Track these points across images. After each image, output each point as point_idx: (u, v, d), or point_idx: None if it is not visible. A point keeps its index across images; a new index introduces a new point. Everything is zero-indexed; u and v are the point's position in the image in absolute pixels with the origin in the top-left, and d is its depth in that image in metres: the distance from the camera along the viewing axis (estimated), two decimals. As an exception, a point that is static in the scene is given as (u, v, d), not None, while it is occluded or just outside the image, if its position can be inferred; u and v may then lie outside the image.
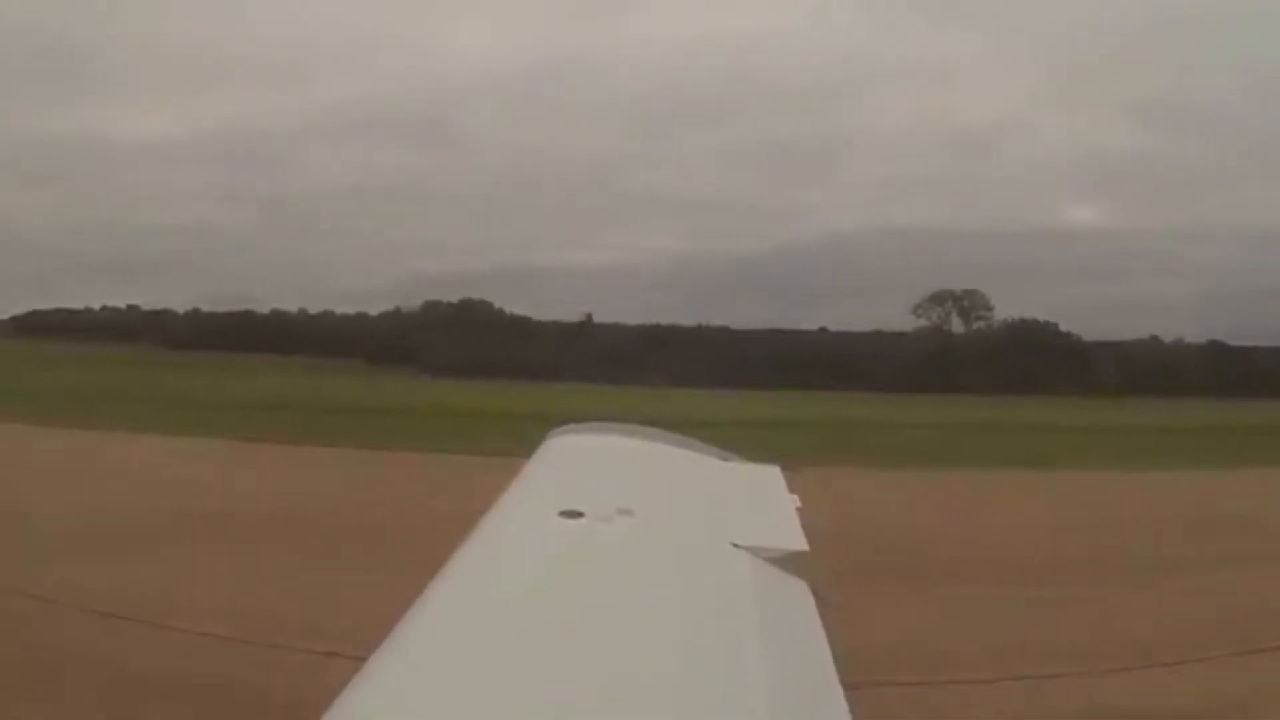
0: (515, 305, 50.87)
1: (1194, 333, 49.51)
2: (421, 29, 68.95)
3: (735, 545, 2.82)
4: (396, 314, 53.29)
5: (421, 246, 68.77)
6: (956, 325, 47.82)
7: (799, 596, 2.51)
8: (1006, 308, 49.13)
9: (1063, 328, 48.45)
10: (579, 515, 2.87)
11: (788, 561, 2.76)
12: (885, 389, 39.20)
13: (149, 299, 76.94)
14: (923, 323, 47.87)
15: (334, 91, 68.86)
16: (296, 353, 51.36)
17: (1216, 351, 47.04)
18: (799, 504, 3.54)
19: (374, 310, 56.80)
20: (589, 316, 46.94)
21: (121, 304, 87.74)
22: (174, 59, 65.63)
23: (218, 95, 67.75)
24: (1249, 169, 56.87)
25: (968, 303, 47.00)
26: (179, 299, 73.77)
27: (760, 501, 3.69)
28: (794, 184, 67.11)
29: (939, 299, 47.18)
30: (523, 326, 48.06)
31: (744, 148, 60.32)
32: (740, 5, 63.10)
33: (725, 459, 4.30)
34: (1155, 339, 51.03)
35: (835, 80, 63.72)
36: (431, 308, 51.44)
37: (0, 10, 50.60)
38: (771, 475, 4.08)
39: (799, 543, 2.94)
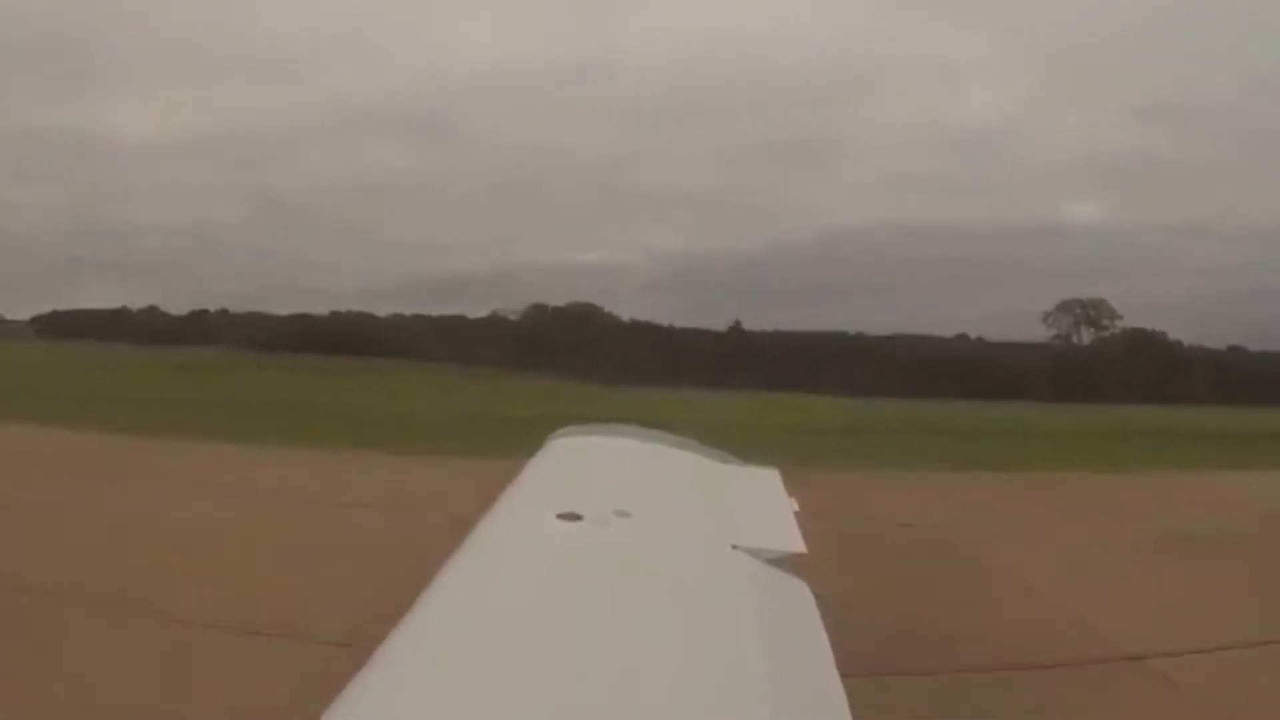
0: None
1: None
2: (425, 26, 68.84)
3: (734, 547, 2.80)
4: (494, 318, 52.01)
5: (423, 245, 68.22)
6: (1085, 335, 48.36)
7: (800, 598, 2.49)
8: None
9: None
10: (577, 518, 2.84)
11: (787, 564, 2.73)
12: (1052, 399, 39.41)
13: (155, 299, 75.86)
14: (1053, 332, 48.37)
15: (336, 88, 68.36)
16: (394, 356, 49.60)
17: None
18: (797, 507, 3.50)
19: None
20: (738, 323, 46.21)
21: (142, 304, 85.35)
22: (179, 54, 64.43)
23: (222, 91, 66.96)
24: (1254, 167, 57.47)
25: (1094, 312, 47.53)
26: (189, 298, 72.68)
27: (759, 504, 3.65)
28: (798, 181, 67.75)
29: (1067, 308, 47.68)
30: (647, 331, 47.13)
31: (747, 145, 60.78)
32: (745, 4, 62.96)
33: (724, 461, 4.26)
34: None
35: (840, 78, 64.63)
36: (539, 311, 50.36)
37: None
38: (770, 478, 4.05)
39: (797, 545, 2.93)
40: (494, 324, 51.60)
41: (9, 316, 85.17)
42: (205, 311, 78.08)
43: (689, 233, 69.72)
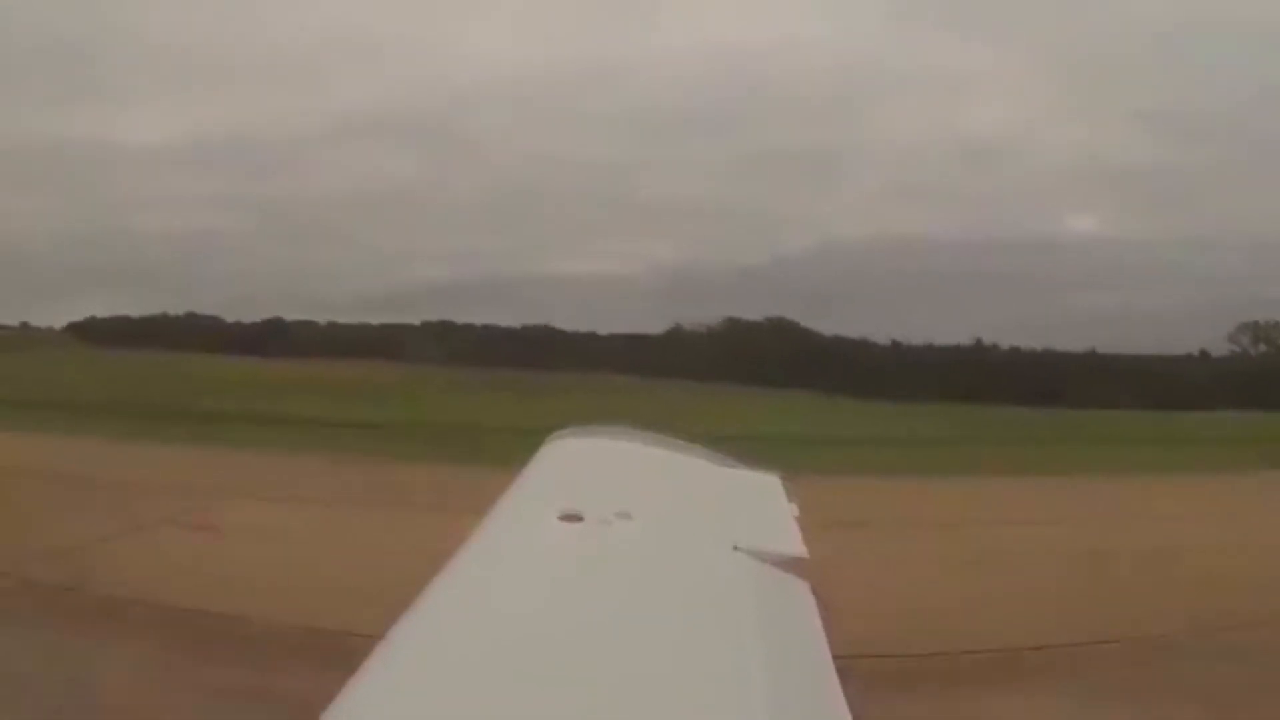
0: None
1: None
2: (429, 35, 69.31)
3: (735, 549, 2.86)
4: (679, 332, 52.18)
5: (421, 254, 68.25)
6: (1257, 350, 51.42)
7: (800, 601, 2.54)
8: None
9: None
10: (578, 519, 2.90)
11: (788, 566, 2.80)
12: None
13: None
14: (1234, 348, 51.55)
15: (341, 97, 67.94)
16: (574, 370, 49.02)
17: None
18: (797, 513, 3.62)
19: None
20: (979, 340, 47.53)
21: (180, 311, 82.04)
22: (184, 62, 63.15)
23: (227, 99, 66.14)
24: (1257, 178, 58.31)
25: (1273, 332, 50.62)
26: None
27: (761, 508, 3.74)
28: (800, 193, 69.01)
29: (1245, 328, 50.95)
30: (854, 346, 48.21)
31: (752, 156, 62.17)
32: (754, 16, 64.26)
33: (725, 464, 4.39)
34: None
35: (843, 90, 65.60)
36: (733, 325, 50.81)
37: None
38: (771, 483, 4.16)
39: (799, 549, 3.00)
40: (680, 338, 51.78)
41: (36, 323, 79.98)
42: (279, 319, 75.08)
43: (690, 243, 70.65)
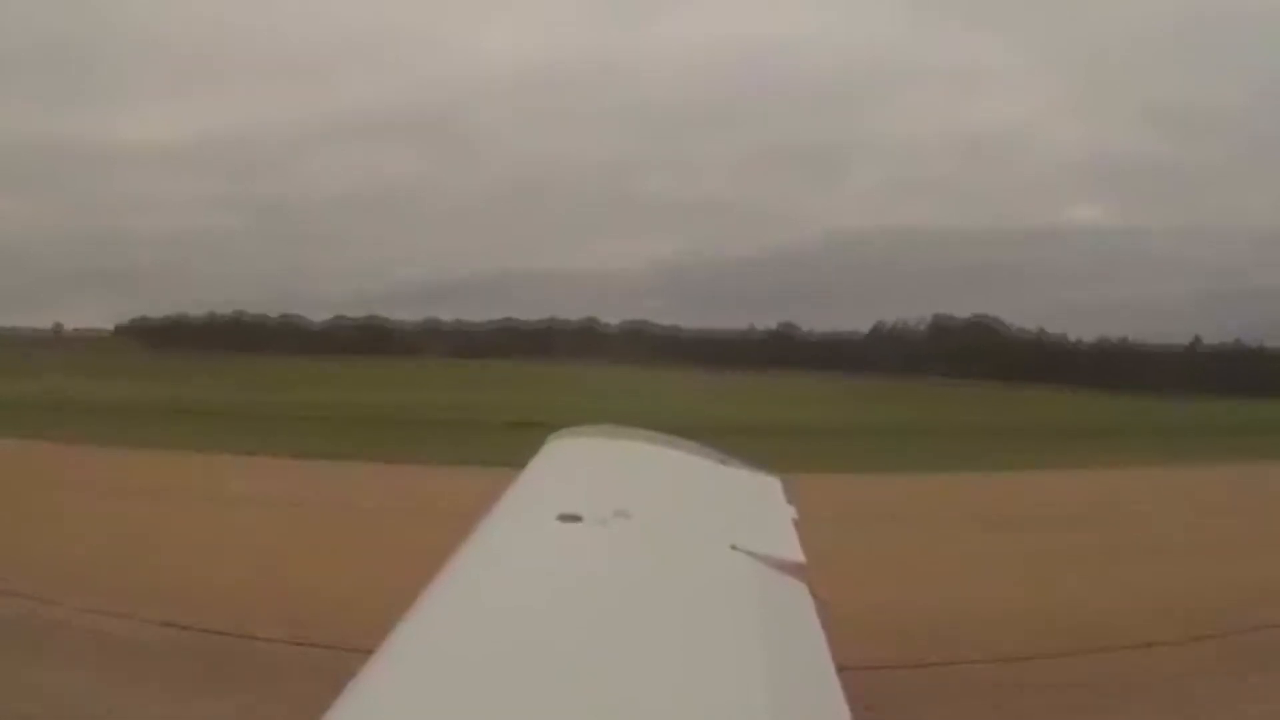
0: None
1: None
2: (435, 34, 70.43)
3: (733, 549, 2.92)
4: (881, 329, 55.68)
5: (429, 251, 69.46)
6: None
7: (798, 600, 2.58)
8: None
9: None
10: (577, 519, 2.95)
11: (786, 565, 2.86)
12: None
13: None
14: None
15: (344, 97, 68.13)
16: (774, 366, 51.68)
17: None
18: (795, 515, 3.71)
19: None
20: (1198, 338, 52.07)
21: (228, 310, 78.42)
22: (190, 63, 61.94)
23: (228, 99, 65.47)
24: (1256, 171, 65.03)
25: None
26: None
27: (758, 506, 3.87)
28: (805, 186, 73.62)
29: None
30: (1056, 345, 53.04)
31: (755, 151, 64.79)
32: (758, 11, 68.16)
33: (725, 463, 4.53)
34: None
35: (850, 84, 69.28)
36: (938, 322, 54.67)
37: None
38: (770, 485, 4.27)
39: (795, 554, 3.06)
40: (880, 335, 55.25)
41: (72, 326, 73.52)
42: (381, 319, 72.33)
43: (696, 238, 71.92)
